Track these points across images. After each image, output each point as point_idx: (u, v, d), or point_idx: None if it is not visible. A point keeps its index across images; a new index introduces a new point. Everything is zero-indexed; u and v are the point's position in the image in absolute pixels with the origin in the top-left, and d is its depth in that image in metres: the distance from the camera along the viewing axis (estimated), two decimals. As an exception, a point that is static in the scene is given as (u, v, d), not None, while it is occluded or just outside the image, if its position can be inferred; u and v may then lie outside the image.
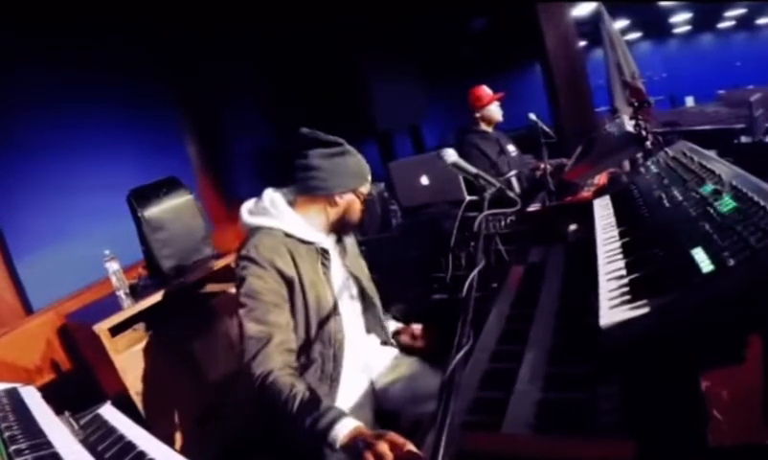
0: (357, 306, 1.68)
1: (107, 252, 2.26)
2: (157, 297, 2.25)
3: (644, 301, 0.86)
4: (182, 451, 2.11)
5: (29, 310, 2.89)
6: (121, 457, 1.28)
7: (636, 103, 1.90)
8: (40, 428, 1.27)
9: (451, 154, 1.38)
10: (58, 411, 1.64)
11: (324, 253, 1.55)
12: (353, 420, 1.15)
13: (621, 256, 1.10)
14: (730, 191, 1.01)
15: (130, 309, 2.12)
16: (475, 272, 0.96)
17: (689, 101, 8.83)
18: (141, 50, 3.89)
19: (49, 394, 2.49)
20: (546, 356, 1.10)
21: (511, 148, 3.42)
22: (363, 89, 6.01)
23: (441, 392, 0.72)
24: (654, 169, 1.46)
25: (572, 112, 4.34)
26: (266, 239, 1.48)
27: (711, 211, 0.99)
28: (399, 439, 0.98)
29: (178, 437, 2.09)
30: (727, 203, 0.97)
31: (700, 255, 0.87)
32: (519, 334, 1.27)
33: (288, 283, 1.46)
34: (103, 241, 2.38)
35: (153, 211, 2.30)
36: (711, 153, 1.28)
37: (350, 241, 1.73)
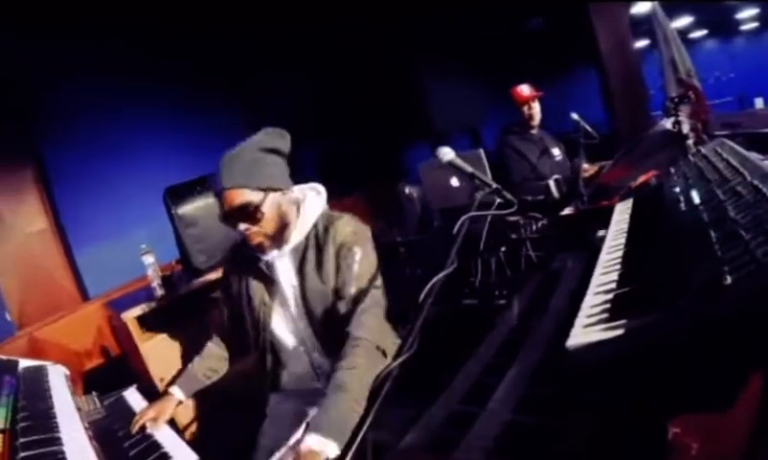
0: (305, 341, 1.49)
1: (143, 246, 2.40)
2: (187, 290, 2.36)
3: (622, 321, 0.74)
4: (198, 441, 2.20)
5: (86, 297, 3.14)
6: (130, 437, 1.39)
7: (676, 100, 1.68)
8: (52, 403, 1.38)
9: (447, 153, 1.30)
10: (87, 391, 1.78)
11: (261, 270, 1.45)
12: None
13: (618, 267, 0.97)
14: (751, 192, 0.86)
15: (158, 300, 2.24)
16: (439, 277, 0.89)
17: (759, 102, 7.86)
18: (200, 53, 4.11)
19: (94, 376, 2.72)
20: (530, 373, 1.00)
21: (557, 151, 3.22)
22: (419, 90, 5.97)
23: (370, 396, 0.69)
24: (684, 169, 1.28)
25: (627, 114, 4.02)
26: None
27: (724, 216, 0.84)
28: None
29: (195, 426, 2.17)
30: (742, 207, 0.82)
31: (694, 268, 0.74)
32: (517, 346, 1.18)
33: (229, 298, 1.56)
34: (156, 236, 2.54)
35: (186, 208, 2.41)
36: (748, 152, 1.09)
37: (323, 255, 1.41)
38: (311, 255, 1.41)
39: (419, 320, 0.80)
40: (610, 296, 0.85)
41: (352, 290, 1.35)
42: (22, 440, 1.05)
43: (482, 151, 2.44)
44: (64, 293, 2.98)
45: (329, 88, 5.60)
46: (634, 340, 0.69)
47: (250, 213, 1.31)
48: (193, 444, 1.35)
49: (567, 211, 2.15)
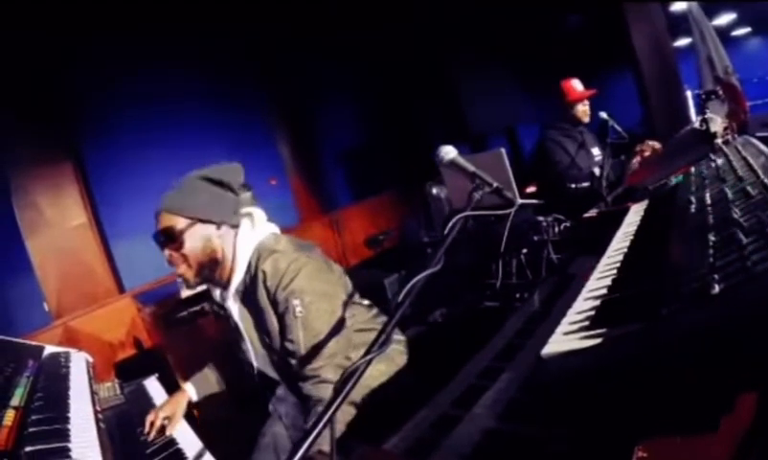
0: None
1: (169, 242, 2.49)
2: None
3: (602, 330, 0.69)
4: (214, 433, 2.24)
5: (121, 290, 3.30)
6: (142, 423, 1.43)
7: (703, 96, 1.57)
8: (68, 386, 1.46)
9: (448, 152, 1.28)
10: (119, 379, 1.87)
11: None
12: None
13: (614, 272, 0.91)
14: (761, 193, 0.79)
15: (182, 295, 2.32)
16: (420, 277, 0.87)
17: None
18: (233, 51, 4.23)
19: (126, 366, 2.84)
20: (521, 379, 0.96)
21: (596, 151, 3.07)
22: (455, 91, 5.92)
23: (336, 391, 0.69)
24: (703, 168, 1.20)
25: (664, 113, 3.82)
26: None
27: (728, 218, 0.77)
28: None
29: (212, 418, 2.22)
30: (748, 209, 0.76)
31: (684, 275, 0.68)
32: (517, 351, 1.14)
33: None
34: None
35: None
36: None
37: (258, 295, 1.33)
38: (250, 299, 1.35)
39: (395, 319, 0.78)
40: (598, 302, 0.80)
41: (301, 349, 1.26)
42: (32, 417, 1.13)
43: (503, 150, 2.37)
44: (101, 286, 3.15)
45: (366, 90, 5.64)
46: (611, 350, 0.65)
47: (173, 239, 1.28)
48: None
49: (590, 213, 2.06)
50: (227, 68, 4.19)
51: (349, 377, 0.69)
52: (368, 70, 5.50)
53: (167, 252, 1.30)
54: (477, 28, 5.55)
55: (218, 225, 1.32)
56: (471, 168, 1.25)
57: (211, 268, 1.33)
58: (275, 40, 4.44)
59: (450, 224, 1.04)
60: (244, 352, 1.47)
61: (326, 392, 1.21)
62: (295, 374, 1.29)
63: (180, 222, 1.28)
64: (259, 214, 1.43)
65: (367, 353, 0.72)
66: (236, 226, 1.35)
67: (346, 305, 1.33)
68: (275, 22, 4.15)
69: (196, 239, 1.29)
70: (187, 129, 3.88)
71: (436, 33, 5.31)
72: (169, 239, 1.28)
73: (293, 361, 1.28)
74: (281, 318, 1.29)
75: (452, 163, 1.28)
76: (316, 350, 1.25)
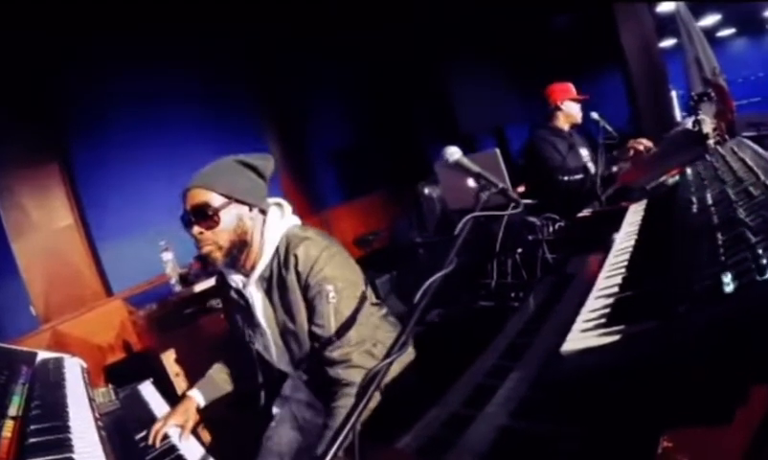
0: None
1: (162, 243, 2.45)
2: (203, 287, 2.41)
3: (620, 327, 0.71)
4: (213, 436, 2.21)
5: (109, 293, 3.24)
6: (140, 428, 1.43)
7: (695, 98, 1.62)
8: (65, 393, 1.42)
9: (453, 153, 1.29)
10: (109, 384, 1.84)
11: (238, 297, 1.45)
12: None
13: (623, 270, 0.93)
14: (764, 193, 0.81)
15: (175, 296, 2.28)
16: (436, 278, 0.87)
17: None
18: (224, 54, 4.18)
19: (116, 370, 2.79)
20: (532, 377, 0.97)
21: (584, 152, 3.12)
22: (445, 91, 5.95)
23: (359, 393, 0.70)
24: (700, 169, 1.23)
25: (652, 114, 3.91)
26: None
27: (734, 218, 0.80)
28: None
29: (211, 420, 2.19)
30: (753, 209, 0.78)
31: (696, 274, 0.70)
32: (524, 349, 1.16)
33: None
34: (179, 233, 2.63)
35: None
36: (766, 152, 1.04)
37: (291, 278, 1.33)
38: (276, 284, 1.35)
39: (413, 320, 0.79)
40: (611, 300, 0.82)
41: (332, 334, 1.28)
42: (32, 427, 1.09)
43: (497, 151, 2.39)
44: (88, 288, 3.09)
45: (356, 90, 5.63)
46: (629, 348, 0.66)
47: (206, 215, 1.25)
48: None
49: (584, 213, 2.10)
50: (216, 68, 4.14)
51: (371, 380, 0.70)
52: (358, 70, 5.49)
53: (196, 229, 1.27)
54: (467, 28, 5.59)
55: (251, 207, 1.33)
56: (476, 168, 1.26)
57: (239, 249, 1.32)
58: (265, 41, 4.41)
59: (461, 224, 1.05)
60: (259, 342, 1.45)
61: (356, 376, 1.24)
62: (320, 359, 1.31)
63: (216, 199, 1.26)
64: (287, 205, 1.45)
65: (387, 355, 0.73)
66: (264, 212, 1.36)
67: (367, 297, 1.36)
68: (266, 22, 4.12)
69: (231, 217, 1.28)
70: (175, 130, 3.82)
71: (425, 33, 5.33)
72: (203, 215, 1.26)
73: (317, 345, 1.31)
74: (310, 303, 1.30)
75: (457, 164, 1.29)
76: (345, 336, 1.27)
